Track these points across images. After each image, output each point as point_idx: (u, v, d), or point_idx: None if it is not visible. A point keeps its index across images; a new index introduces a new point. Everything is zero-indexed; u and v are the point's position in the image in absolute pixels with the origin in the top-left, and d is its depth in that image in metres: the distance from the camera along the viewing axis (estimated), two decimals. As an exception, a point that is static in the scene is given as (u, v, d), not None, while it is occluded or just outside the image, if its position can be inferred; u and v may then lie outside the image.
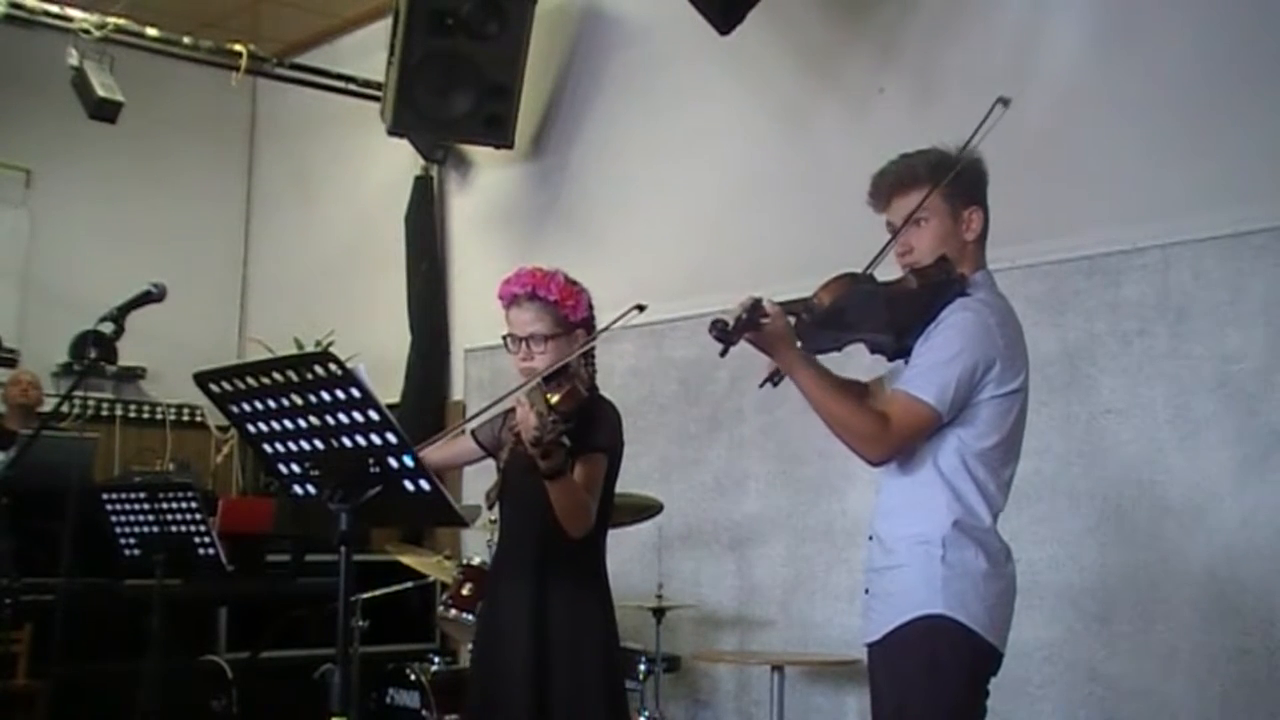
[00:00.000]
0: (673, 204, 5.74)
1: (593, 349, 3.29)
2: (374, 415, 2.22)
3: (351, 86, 6.81)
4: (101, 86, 5.92)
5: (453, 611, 4.74)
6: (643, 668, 4.66)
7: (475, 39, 5.89)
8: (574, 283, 3.24)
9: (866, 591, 2.76)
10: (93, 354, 3.21)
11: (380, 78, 6.13)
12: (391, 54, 5.90)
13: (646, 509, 4.84)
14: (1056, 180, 4.44)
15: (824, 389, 2.63)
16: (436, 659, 5.22)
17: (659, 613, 4.72)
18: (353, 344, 5.60)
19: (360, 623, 4.89)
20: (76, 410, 7.02)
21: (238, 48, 6.42)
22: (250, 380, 2.29)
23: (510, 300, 3.17)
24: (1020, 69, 4.59)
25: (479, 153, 6.66)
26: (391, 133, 6.13)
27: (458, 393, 6.72)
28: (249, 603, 5.50)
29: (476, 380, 6.61)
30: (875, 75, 5.03)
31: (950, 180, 2.74)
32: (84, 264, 7.24)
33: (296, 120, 7.82)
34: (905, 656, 2.60)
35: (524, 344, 3.16)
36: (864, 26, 5.13)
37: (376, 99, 6.32)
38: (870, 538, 2.77)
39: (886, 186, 2.79)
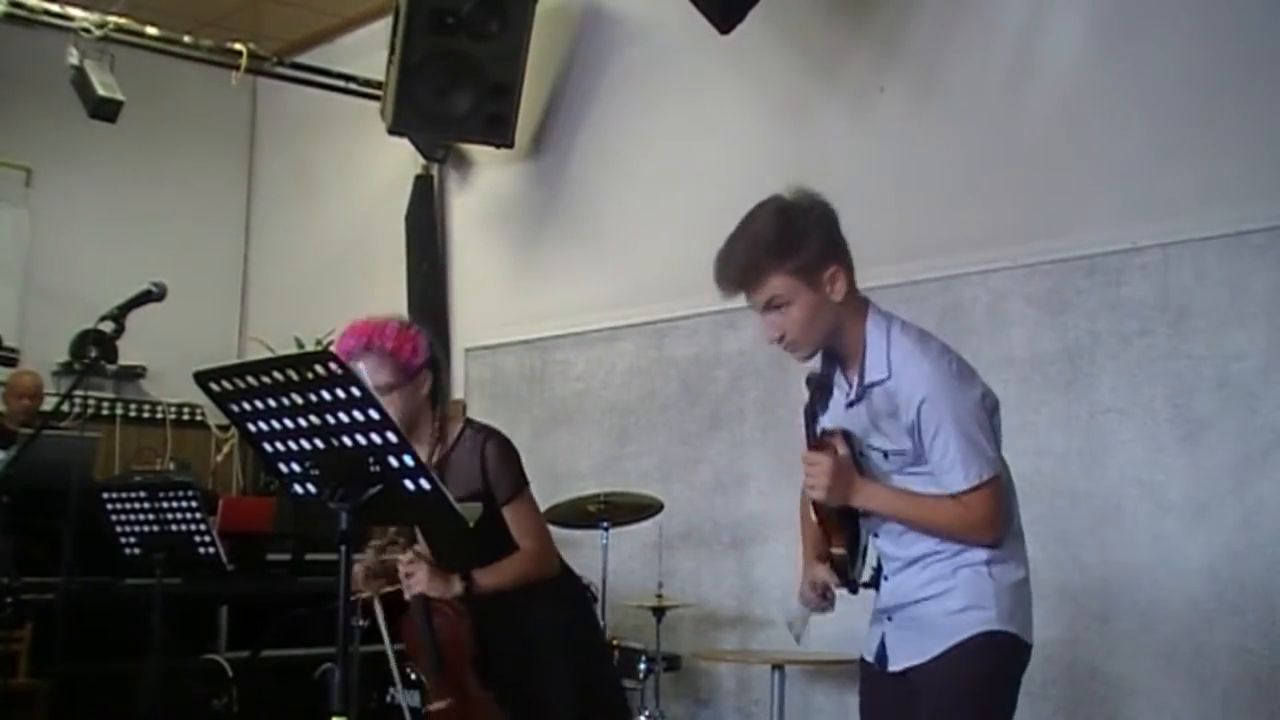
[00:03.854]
0: (673, 203, 5.74)
1: (441, 393, 3.26)
2: (374, 414, 2.22)
3: (352, 86, 6.81)
4: (102, 85, 5.92)
5: (453, 611, 4.75)
6: (643, 667, 4.67)
7: (476, 38, 5.89)
8: (408, 326, 3.20)
9: (889, 619, 2.69)
10: (93, 353, 3.22)
11: (380, 77, 6.13)
12: (392, 53, 5.90)
13: (647, 508, 4.84)
14: (1057, 180, 4.44)
15: (908, 504, 2.60)
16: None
17: (659, 612, 4.72)
18: (353, 343, 5.58)
19: (360, 622, 4.88)
20: (77, 409, 7.02)
21: (238, 47, 6.42)
22: (250, 379, 2.29)
23: (347, 356, 3.08)
24: (1020, 68, 4.59)
25: (479, 152, 6.65)
26: (392, 132, 6.13)
27: (458, 392, 6.72)
28: (249, 602, 5.49)
29: (477, 379, 6.61)
30: (875, 74, 5.03)
31: (795, 253, 2.55)
32: (84, 263, 7.24)
33: (297, 119, 7.82)
34: (962, 673, 2.57)
35: None
36: (864, 26, 5.13)
37: (377, 98, 6.31)
38: (885, 577, 2.70)
39: (733, 279, 2.60)
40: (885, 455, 2.62)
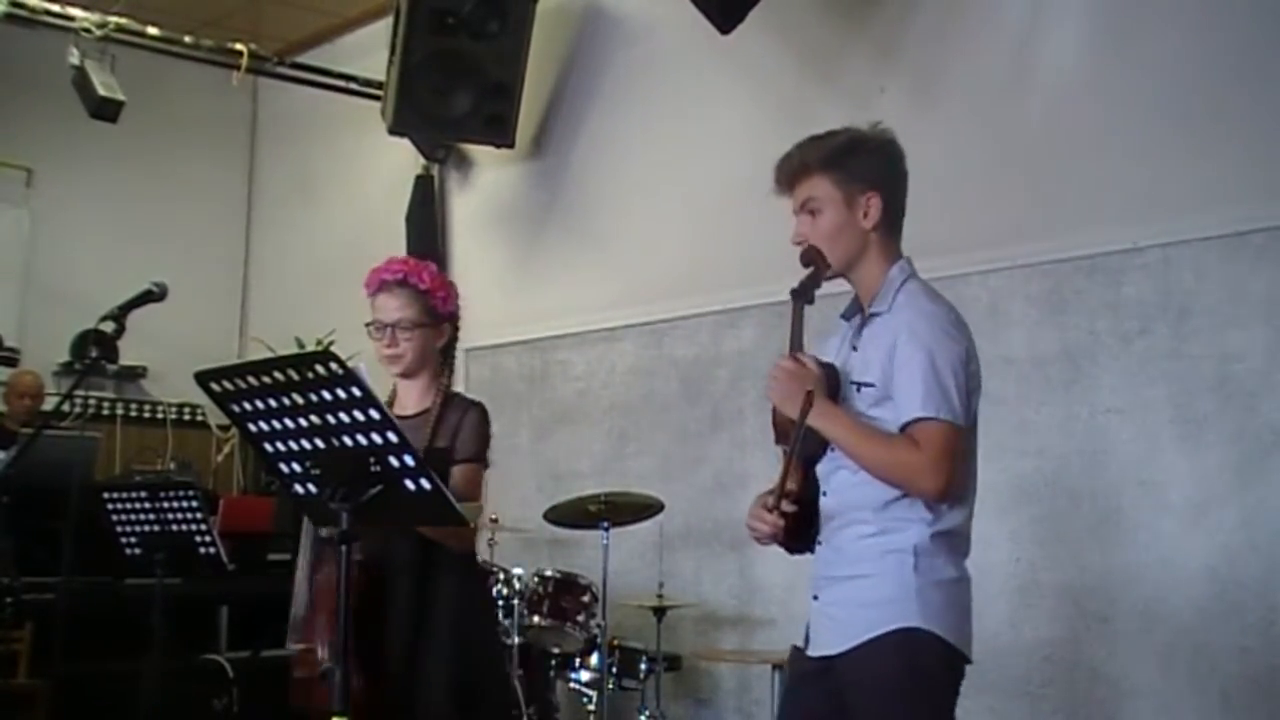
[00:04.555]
0: (673, 203, 5.75)
1: (453, 350, 3.32)
2: (374, 414, 2.23)
3: (352, 86, 6.81)
4: (102, 85, 5.92)
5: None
6: (643, 667, 4.67)
7: (476, 38, 5.89)
8: (444, 276, 3.30)
9: (815, 598, 2.66)
10: (94, 353, 3.22)
11: (381, 77, 6.13)
12: (392, 53, 5.90)
13: (647, 508, 4.84)
14: (1057, 180, 4.44)
15: (859, 435, 2.53)
16: (437, 658, 5.21)
17: (660, 612, 4.72)
18: (353, 343, 5.57)
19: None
20: (77, 409, 7.02)
21: (239, 47, 6.42)
22: (251, 379, 2.29)
23: (379, 286, 3.23)
24: (1020, 69, 4.59)
25: (480, 152, 6.66)
26: (392, 132, 6.13)
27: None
28: (250, 602, 5.49)
29: (478, 379, 6.61)
30: (875, 75, 5.03)
31: (843, 165, 2.62)
32: (85, 263, 7.24)
33: (297, 120, 7.82)
34: (882, 672, 2.49)
35: (390, 330, 3.18)
36: (864, 26, 5.13)
37: (377, 98, 6.31)
38: (820, 542, 2.67)
39: (785, 175, 2.68)
40: (858, 389, 2.58)
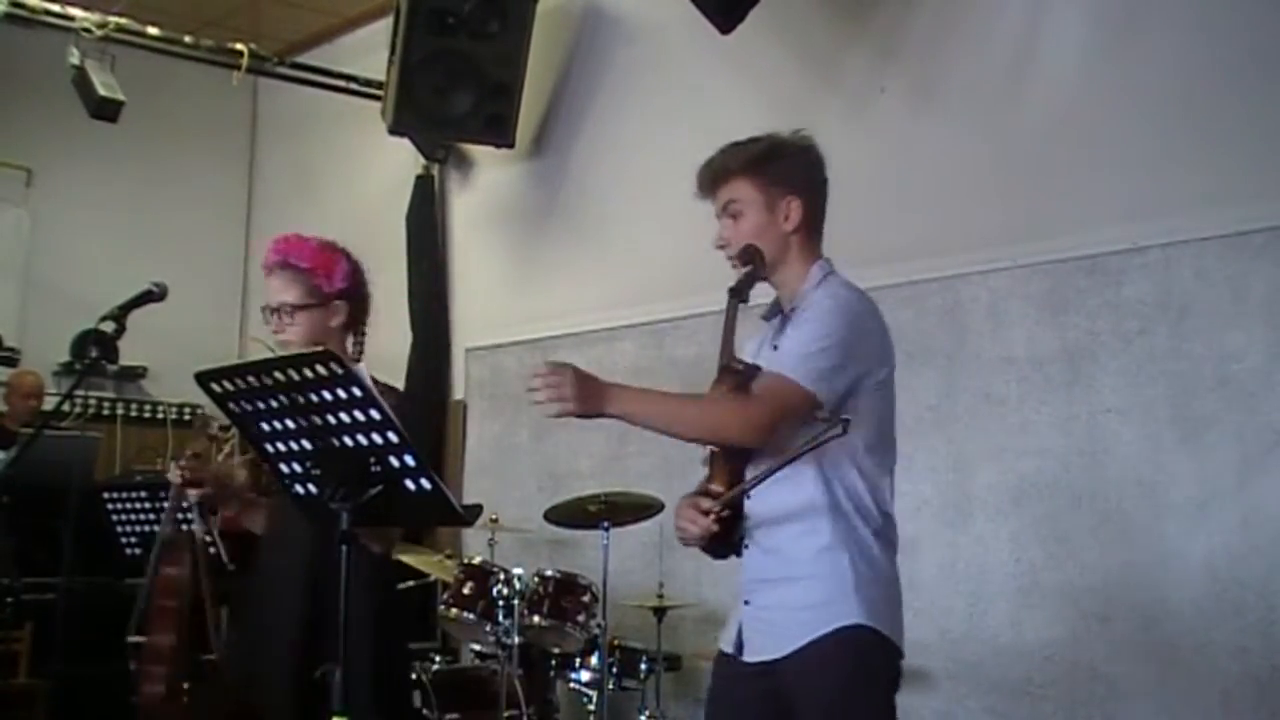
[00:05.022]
0: (673, 203, 5.69)
1: (361, 330, 3.10)
2: (374, 414, 2.22)
3: (352, 86, 6.81)
4: (103, 85, 5.92)
5: (453, 610, 4.75)
6: (643, 667, 4.67)
7: (476, 38, 5.89)
8: (333, 250, 3.08)
9: (746, 603, 2.65)
10: (94, 353, 3.21)
11: (381, 77, 6.13)
12: (392, 53, 5.90)
13: (647, 508, 4.84)
14: (1057, 180, 4.44)
15: (667, 402, 2.54)
16: (437, 658, 5.22)
17: (660, 612, 4.72)
18: (353, 343, 5.59)
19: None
20: (78, 409, 7.03)
21: (239, 47, 6.42)
22: (251, 379, 2.29)
23: (267, 270, 3.07)
24: (1020, 68, 4.59)
25: (480, 152, 6.65)
26: (392, 132, 6.12)
27: (459, 392, 6.73)
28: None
29: (477, 379, 6.61)
30: (876, 75, 5.03)
31: (764, 170, 2.68)
32: (85, 263, 7.24)
33: (297, 119, 7.82)
34: (826, 672, 2.49)
35: (276, 315, 3.04)
36: (864, 26, 5.13)
37: (377, 98, 6.31)
38: (746, 545, 2.67)
39: (706, 179, 2.74)
40: None
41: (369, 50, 6.76)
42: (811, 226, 2.72)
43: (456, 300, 6.86)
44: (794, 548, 2.57)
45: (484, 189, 6.79)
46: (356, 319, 3.11)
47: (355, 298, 3.09)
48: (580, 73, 6.28)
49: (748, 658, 2.61)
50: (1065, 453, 4.33)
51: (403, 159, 6.83)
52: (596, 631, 4.65)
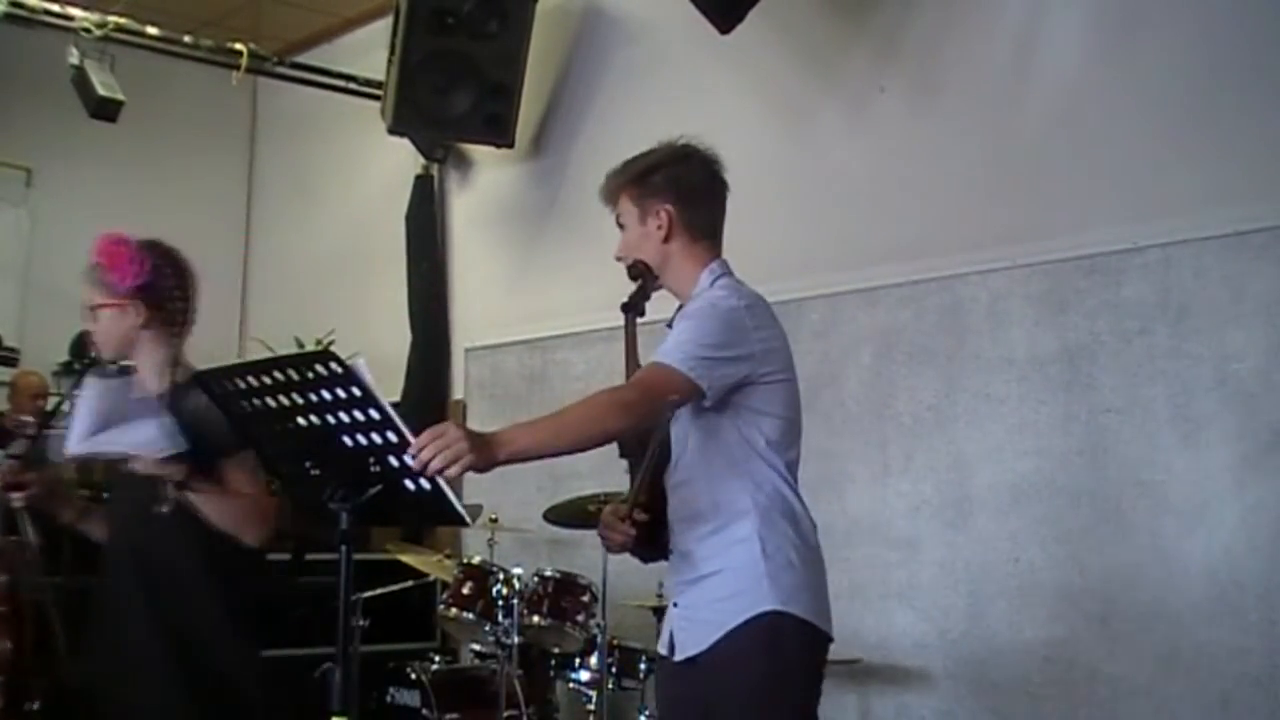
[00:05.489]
0: (673, 203, 5.73)
1: (174, 331, 2.98)
2: (375, 414, 2.22)
3: (352, 85, 6.81)
4: (102, 85, 5.92)
5: (453, 610, 4.75)
6: (643, 667, 4.66)
7: (476, 38, 5.89)
8: (128, 245, 2.96)
9: (675, 605, 2.69)
10: (94, 353, 3.22)
11: (381, 77, 6.13)
12: (392, 53, 5.90)
13: (647, 508, 4.83)
14: (1057, 179, 4.44)
15: (549, 422, 2.50)
16: (437, 658, 5.22)
17: (660, 612, 4.71)
18: (353, 343, 5.56)
19: (360, 622, 4.89)
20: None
21: (238, 46, 6.42)
22: (251, 379, 2.29)
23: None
24: (1020, 68, 4.59)
25: (479, 152, 6.65)
26: (392, 132, 6.13)
27: (458, 392, 6.72)
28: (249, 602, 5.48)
29: (477, 379, 6.61)
30: (875, 74, 5.03)
31: (639, 182, 2.81)
32: (84, 263, 7.22)
33: (297, 119, 7.82)
34: (744, 661, 2.50)
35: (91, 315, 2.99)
36: (864, 26, 5.12)
37: (377, 98, 6.31)
38: (671, 550, 2.70)
39: (604, 196, 2.91)
40: None
41: (368, 50, 6.76)
42: (690, 234, 2.80)
43: (456, 300, 6.85)
44: (705, 545, 2.61)
45: (483, 189, 6.79)
46: (163, 320, 2.98)
47: (155, 297, 2.96)
48: (580, 73, 6.27)
49: (677, 657, 2.65)
50: (1065, 452, 4.33)
51: (402, 159, 6.83)
52: (596, 631, 4.65)
